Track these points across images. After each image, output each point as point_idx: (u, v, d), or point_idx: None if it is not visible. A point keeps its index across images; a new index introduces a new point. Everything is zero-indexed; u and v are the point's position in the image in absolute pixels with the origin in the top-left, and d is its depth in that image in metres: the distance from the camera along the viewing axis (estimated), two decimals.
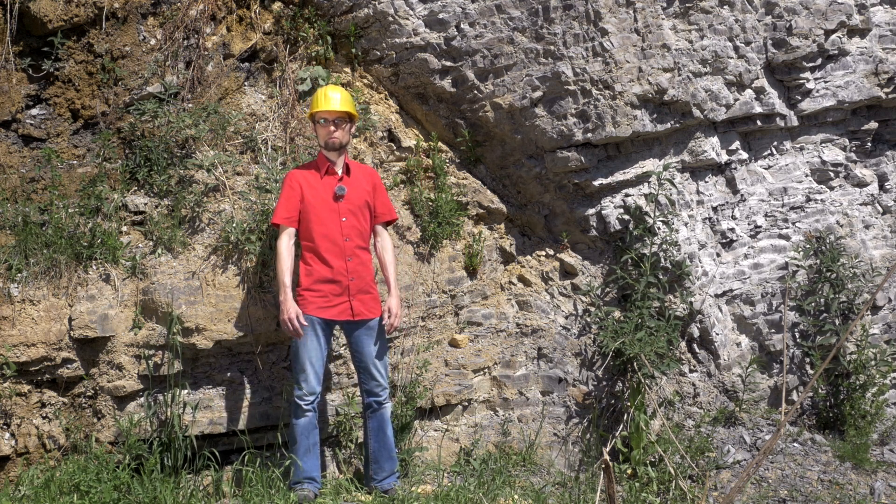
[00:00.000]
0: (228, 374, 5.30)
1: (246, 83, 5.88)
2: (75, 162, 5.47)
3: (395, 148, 6.04)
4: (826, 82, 6.63)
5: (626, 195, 6.21)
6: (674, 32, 6.13)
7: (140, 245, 5.29)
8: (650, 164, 6.21)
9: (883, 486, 5.86)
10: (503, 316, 6.09)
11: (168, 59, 5.65)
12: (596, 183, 6.11)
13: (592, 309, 6.15)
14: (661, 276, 6.10)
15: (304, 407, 4.87)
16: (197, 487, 4.85)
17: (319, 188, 5.01)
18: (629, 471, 5.76)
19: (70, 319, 5.00)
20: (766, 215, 6.66)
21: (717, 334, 6.37)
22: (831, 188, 6.84)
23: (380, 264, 5.21)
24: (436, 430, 5.76)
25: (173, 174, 5.43)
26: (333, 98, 5.04)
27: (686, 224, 6.34)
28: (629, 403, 5.92)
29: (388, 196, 5.35)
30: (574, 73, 5.92)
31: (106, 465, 4.74)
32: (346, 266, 4.96)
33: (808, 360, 6.60)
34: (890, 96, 6.75)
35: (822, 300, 6.56)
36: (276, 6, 5.98)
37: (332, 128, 5.03)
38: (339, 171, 5.09)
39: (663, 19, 6.08)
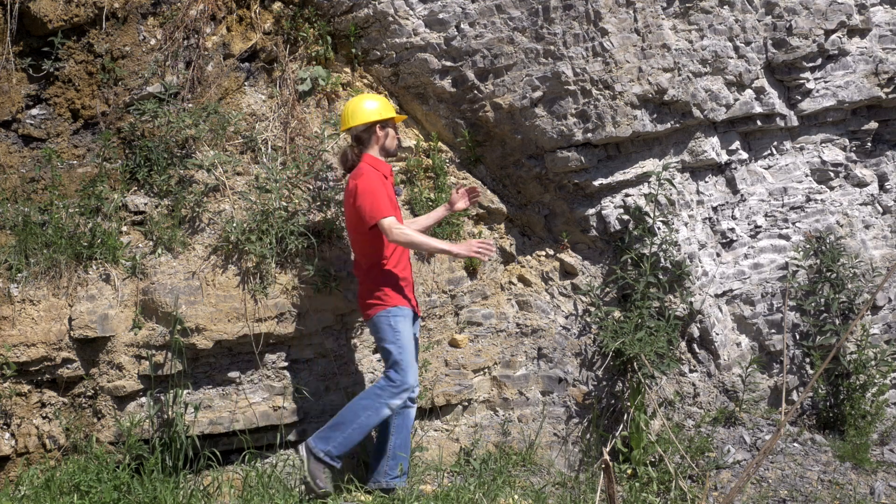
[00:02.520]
0: (228, 374, 5.31)
1: (246, 83, 5.88)
2: (75, 162, 5.48)
3: None
4: (826, 82, 6.63)
5: (626, 195, 6.21)
6: (674, 32, 6.13)
7: (140, 245, 5.29)
8: (650, 164, 6.21)
9: (883, 486, 5.86)
10: (503, 316, 6.09)
11: (168, 59, 5.65)
12: (596, 183, 6.11)
13: (592, 309, 6.15)
14: (661, 276, 6.10)
15: (415, 399, 5.06)
16: (197, 487, 4.85)
17: (391, 190, 5.21)
18: (629, 471, 5.76)
19: (70, 319, 5.00)
20: (766, 215, 6.66)
21: (717, 334, 6.37)
22: (831, 188, 6.84)
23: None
24: (436, 430, 5.77)
25: (173, 174, 5.43)
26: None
27: (686, 224, 6.34)
28: (629, 403, 5.92)
29: None
30: (574, 73, 5.92)
31: (106, 465, 4.75)
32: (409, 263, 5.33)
33: (808, 360, 6.60)
34: (890, 96, 6.75)
35: (822, 300, 6.56)
36: (276, 6, 5.98)
37: (395, 133, 5.31)
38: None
39: (663, 19, 6.08)
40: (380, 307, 5.02)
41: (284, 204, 5.47)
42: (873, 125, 6.87)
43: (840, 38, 6.58)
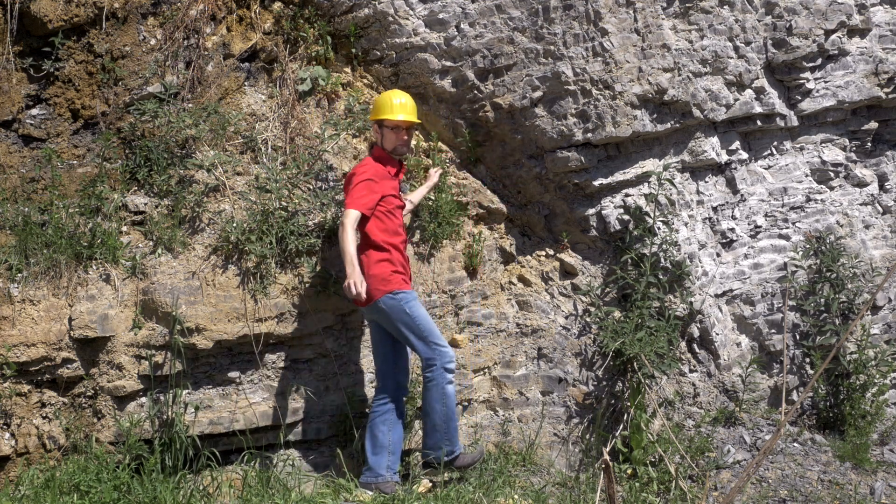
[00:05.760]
0: (228, 374, 5.31)
1: (246, 83, 5.88)
2: (75, 162, 5.48)
3: None
4: (826, 82, 6.63)
5: (626, 195, 6.21)
6: (674, 32, 6.13)
7: (140, 245, 5.29)
8: (650, 164, 6.21)
9: (883, 486, 5.86)
10: (503, 316, 6.09)
11: (168, 59, 5.65)
12: (596, 183, 6.11)
13: (592, 309, 6.15)
14: (661, 276, 6.10)
15: (454, 370, 5.11)
16: (197, 487, 4.85)
17: (388, 186, 5.25)
18: (629, 471, 5.76)
19: (70, 319, 5.00)
20: (766, 215, 6.66)
21: (717, 334, 6.37)
22: (831, 188, 6.84)
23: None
24: None
25: (173, 174, 5.43)
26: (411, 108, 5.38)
27: (686, 224, 6.34)
28: (629, 403, 5.92)
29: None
30: (574, 73, 5.92)
31: (106, 465, 4.75)
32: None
33: (808, 360, 6.60)
34: (890, 96, 6.75)
35: (822, 300, 6.56)
36: (276, 6, 5.98)
37: (393, 136, 5.31)
38: None
39: (663, 19, 6.08)
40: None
41: (284, 204, 5.47)
42: (873, 125, 6.87)
43: (840, 38, 6.59)
